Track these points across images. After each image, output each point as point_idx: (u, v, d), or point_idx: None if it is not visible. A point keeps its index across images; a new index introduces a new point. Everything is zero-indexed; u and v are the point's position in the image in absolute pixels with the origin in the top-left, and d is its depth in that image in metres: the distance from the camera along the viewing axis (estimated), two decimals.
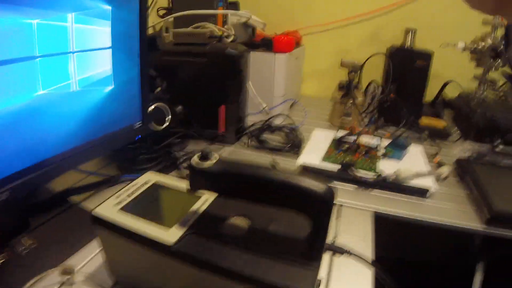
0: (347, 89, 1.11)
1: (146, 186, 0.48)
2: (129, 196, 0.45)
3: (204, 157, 0.37)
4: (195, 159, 0.38)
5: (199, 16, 0.98)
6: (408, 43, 1.18)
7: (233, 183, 0.37)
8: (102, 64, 0.58)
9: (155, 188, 0.48)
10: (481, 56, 1.09)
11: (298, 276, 0.33)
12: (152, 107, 0.76)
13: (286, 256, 0.35)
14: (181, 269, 0.37)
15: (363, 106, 1.14)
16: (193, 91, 0.91)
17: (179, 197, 0.47)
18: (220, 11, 0.98)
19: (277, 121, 1.08)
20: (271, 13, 1.50)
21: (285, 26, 1.48)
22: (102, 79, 0.58)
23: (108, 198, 0.44)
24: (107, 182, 0.68)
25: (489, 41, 1.07)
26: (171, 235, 0.38)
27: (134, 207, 0.43)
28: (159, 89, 0.83)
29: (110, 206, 0.43)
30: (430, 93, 1.23)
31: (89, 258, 0.51)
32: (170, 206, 0.46)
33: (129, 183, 0.48)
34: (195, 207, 0.43)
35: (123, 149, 0.77)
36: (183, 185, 0.48)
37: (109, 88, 0.60)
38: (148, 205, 0.45)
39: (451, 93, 1.27)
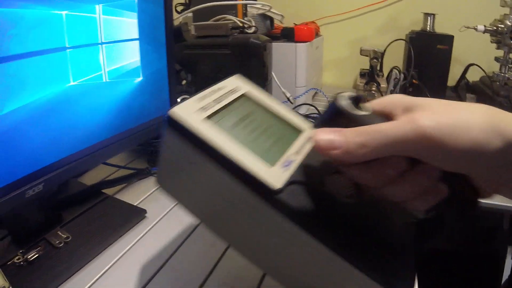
0: (370, 75, 1.10)
1: (235, 96, 0.36)
2: (215, 102, 0.33)
3: (357, 102, 0.28)
4: (347, 101, 0.27)
5: (218, 10, 0.97)
6: (428, 28, 1.16)
7: None
8: (131, 56, 0.57)
9: (247, 101, 0.37)
10: (502, 38, 1.08)
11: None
12: (179, 99, 0.76)
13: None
14: (271, 221, 0.29)
15: (386, 93, 1.12)
16: (217, 83, 0.91)
17: (276, 123, 0.36)
18: (240, 2, 0.97)
19: (302, 111, 1.08)
20: (287, 5, 1.50)
21: (302, 17, 1.48)
22: (131, 71, 0.58)
23: (188, 99, 0.33)
24: (137, 175, 0.68)
25: (508, 23, 1.05)
26: (275, 177, 0.28)
27: (224, 121, 0.32)
28: (184, 82, 0.82)
29: (192, 110, 0.31)
30: (452, 77, 1.22)
31: (124, 251, 0.51)
32: (266, 133, 0.33)
33: (211, 86, 0.37)
34: (297, 144, 0.33)
35: (150, 142, 0.77)
36: (278, 107, 0.37)
37: (138, 79, 0.59)
38: (239, 122, 0.33)
39: (473, 76, 1.25)
